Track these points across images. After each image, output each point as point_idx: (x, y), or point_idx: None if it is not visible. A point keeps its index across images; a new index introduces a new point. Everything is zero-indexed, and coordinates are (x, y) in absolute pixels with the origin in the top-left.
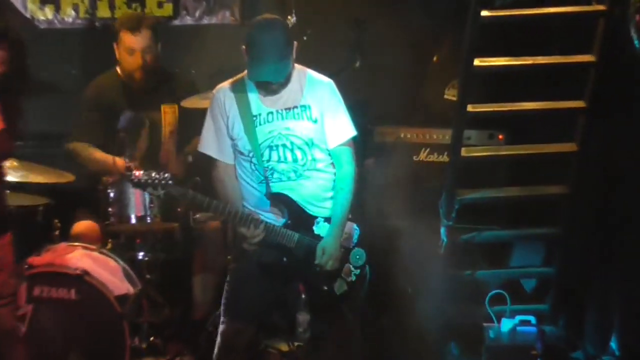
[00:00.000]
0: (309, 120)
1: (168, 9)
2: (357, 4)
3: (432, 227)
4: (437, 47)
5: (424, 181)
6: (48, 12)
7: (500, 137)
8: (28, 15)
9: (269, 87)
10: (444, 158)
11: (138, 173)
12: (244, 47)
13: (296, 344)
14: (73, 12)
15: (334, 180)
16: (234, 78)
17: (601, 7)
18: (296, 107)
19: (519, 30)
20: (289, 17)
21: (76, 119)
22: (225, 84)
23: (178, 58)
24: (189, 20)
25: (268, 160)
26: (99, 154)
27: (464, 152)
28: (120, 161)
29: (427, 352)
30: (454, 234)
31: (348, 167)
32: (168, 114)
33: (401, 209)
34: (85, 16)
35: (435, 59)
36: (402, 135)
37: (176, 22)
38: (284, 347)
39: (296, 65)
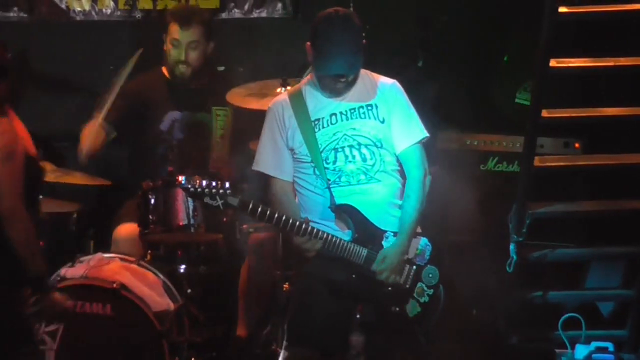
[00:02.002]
0: (376, 119)
1: (215, 1)
2: (421, 0)
3: (500, 244)
4: (508, 46)
5: (491, 193)
6: (85, 3)
7: (577, 145)
8: (63, 6)
9: (335, 86)
10: (515, 167)
11: (197, 182)
12: (309, 43)
13: None
14: (112, 3)
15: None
16: (290, 89)
17: None
18: (362, 106)
19: (599, 28)
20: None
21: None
22: (282, 96)
23: (225, 54)
24: (237, 14)
25: (334, 163)
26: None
27: (537, 161)
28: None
29: None
30: (525, 251)
31: (417, 172)
32: (220, 117)
33: (466, 223)
34: (125, 7)
35: (505, 58)
36: (468, 142)
37: (223, 16)
38: None
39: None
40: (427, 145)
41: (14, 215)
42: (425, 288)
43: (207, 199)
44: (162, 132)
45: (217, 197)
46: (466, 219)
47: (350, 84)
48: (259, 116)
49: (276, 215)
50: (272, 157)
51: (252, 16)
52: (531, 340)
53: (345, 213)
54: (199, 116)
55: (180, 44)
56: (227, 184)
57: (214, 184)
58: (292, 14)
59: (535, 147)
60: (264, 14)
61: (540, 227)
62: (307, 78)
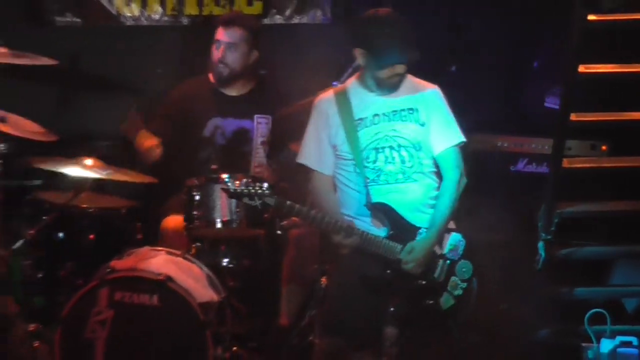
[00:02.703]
0: (416, 123)
1: (258, 7)
2: (453, 6)
3: (529, 242)
4: (538, 52)
5: (521, 192)
6: (134, 8)
7: (604, 147)
8: (114, 12)
9: (392, 80)
10: (543, 168)
11: (237, 182)
12: (356, 48)
13: (383, 358)
14: (160, 9)
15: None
16: (336, 89)
17: None
18: (403, 109)
19: (628, 34)
20: None
21: (152, 116)
22: (327, 94)
23: (267, 58)
24: (278, 19)
25: (375, 162)
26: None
27: (565, 163)
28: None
29: None
30: (553, 249)
31: (452, 173)
32: (261, 125)
33: (496, 221)
34: (173, 13)
35: (535, 64)
36: (499, 144)
37: (265, 21)
38: None
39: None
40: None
41: None
42: (459, 282)
43: (246, 199)
44: (205, 137)
45: (256, 198)
46: (496, 217)
47: (402, 77)
48: (301, 117)
49: (312, 214)
50: (315, 152)
51: (292, 22)
52: (558, 335)
53: (381, 211)
54: (241, 123)
55: (221, 44)
56: (266, 185)
57: (252, 184)
58: (330, 20)
59: (563, 149)
60: (304, 20)
61: (568, 226)
62: (352, 79)
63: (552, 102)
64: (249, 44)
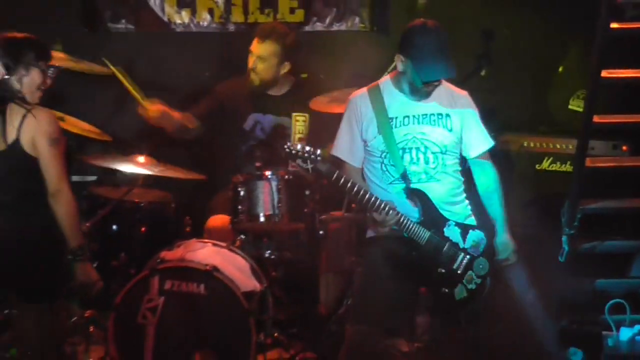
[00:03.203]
0: (445, 128)
1: (300, 15)
2: (485, 14)
3: (553, 235)
4: (563, 57)
5: (545, 190)
6: (184, 16)
7: (625, 148)
8: (165, 19)
9: (427, 90)
10: (567, 167)
11: (294, 145)
12: (399, 55)
13: (416, 345)
14: (208, 16)
15: (462, 187)
16: (369, 85)
17: None
18: (433, 114)
19: None
20: None
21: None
22: (361, 90)
23: (308, 63)
24: (319, 27)
25: (402, 161)
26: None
27: (588, 162)
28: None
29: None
30: (576, 243)
31: (493, 172)
32: (299, 122)
33: (523, 216)
34: (220, 21)
35: (560, 69)
36: (525, 144)
37: (307, 28)
38: (404, 347)
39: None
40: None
41: (61, 194)
42: (475, 277)
43: (299, 161)
44: (245, 131)
45: (309, 161)
46: (522, 213)
47: (436, 86)
48: (337, 120)
49: (356, 187)
50: (346, 144)
51: (332, 29)
52: (580, 324)
53: (417, 197)
54: (279, 120)
55: (253, 55)
56: (319, 151)
57: (307, 149)
58: (368, 28)
59: (587, 149)
60: (343, 27)
61: (590, 221)
62: (386, 77)
63: (576, 105)
64: (280, 58)
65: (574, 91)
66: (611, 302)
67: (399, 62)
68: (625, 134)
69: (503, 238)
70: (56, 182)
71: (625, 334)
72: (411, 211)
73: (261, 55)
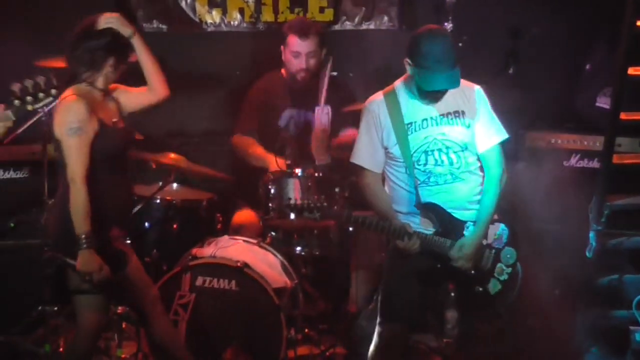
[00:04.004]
0: (463, 125)
1: (329, 14)
2: (512, 12)
3: (581, 231)
4: (590, 55)
5: (573, 186)
6: (215, 16)
7: None
8: (196, 19)
9: (435, 97)
10: (594, 164)
11: (298, 202)
12: (407, 59)
13: (445, 340)
14: (239, 16)
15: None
16: (385, 90)
17: None
18: (450, 112)
19: None
20: (446, 23)
21: (242, 114)
22: (377, 96)
23: (337, 61)
24: (348, 26)
25: (425, 165)
26: (261, 151)
27: (615, 158)
28: (281, 161)
29: (572, 353)
30: (603, 239)
31: (496, 170)
32: (323, 115)
33: (551, 212)
34: (250, 20)
35: (587, 67)
36: (553, 141)
37: (336, 27)
38: (433, 343)
39: None
40: (516, 144)
41: (73, 184)
42: (504, 267)
43: (305, 214)
44: (280, 127)
45: (315, 211)
46: (551, 209)
47: (444, 93)
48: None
49: (367, 222)
50: (366, 152)
51: (361, 28)
52: (607, 318)
53: (430, 210)
54: (309, 113)
55: (301, 55)
56: (323, 198)
57: (310, 201)
58: (397, 27)
59: (614, 145)
60: (372, 26)
61: (617, 217)
62: (400, 79)
63: (603, 102)
64: (322, 47)
65: (601, 88)
66: (638, 297)
67: (407, 66)
68: None
69: (466, 240)
70: (70, 172)
71: None
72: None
73: (310, 52)
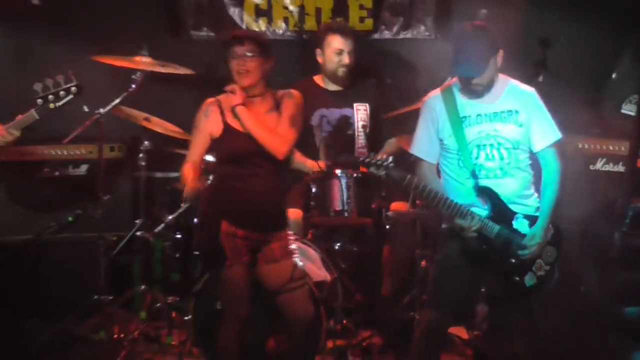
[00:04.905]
0: (516, 124)
1: (369, 23)
2: (542, 22)
3: (606, 232)
4: (616, 64)
5: (599, 189)
6: (262, 24)
7: None
8: (244, 27)
9: (471, 88)
10: (620, 168)
11: (366, 155)
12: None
13: (474, 332)
14: (283, 25)
15: (541, 179)
16: (443, 86)
17: None
18: (503, 111)
19: None
20: (483, 10)
21: None
22: (436, 92)
23: (377, 69)
24: (387, 35)
25: (477, 158)
26: (300, 156)
27: (639, 163)
28: (322, 163)
29: (602, 349)
30: (627, 239)
31: (554, 165)
32: (360, 111)
33: (578, 213)
34: (294, 29)
35: (613, 75)
36: (580, 146)
37: (375, 36)
38: (464, 335)
39: (500, 75)
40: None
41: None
42: (543, 264)
43: (372, 169)
44: (313, 126)
45: (381, 169)
46: (578, 210)
47: (485, 88)
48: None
49: (433, 192)
50: (424, 143)
51: (399, 37)
52: (630, 313)
53: (486, 194)
54: (343, 111)
55: (344, 52)
56: (391, 159)
57: (379, 157)
58: (433, 36)
59: (638, 150)
60: (409, 35)
61: None
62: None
63: (628, 109)
64: (356, 45)
65: (627, 96)
66: None
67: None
68: None
69: (536, 230)
70: None
71: None
72: (481, 208)
73: (351, 50)
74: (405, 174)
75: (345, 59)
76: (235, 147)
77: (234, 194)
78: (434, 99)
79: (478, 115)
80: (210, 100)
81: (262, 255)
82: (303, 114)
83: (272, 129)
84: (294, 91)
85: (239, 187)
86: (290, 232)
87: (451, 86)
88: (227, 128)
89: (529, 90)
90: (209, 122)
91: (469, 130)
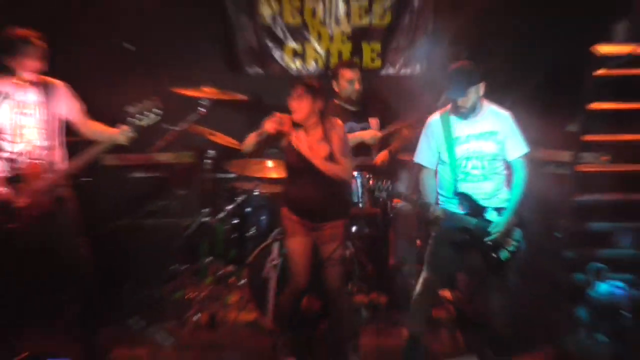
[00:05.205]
0: (495, 142)
1: (378, 63)
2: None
3: (556, 219)
4: (561, 94)
5: (550, 187)
6: (297, 63)
7: (604, 158)
8: (284, 65)
9: (458, 109)
10: (565, 171)
11: (371, 182)
12: None
13: (457, 294)
14: (314, 63)
15: (506, 181)
16: (442, 110)
17: None
18: (486, 132)
19: (627, 83)
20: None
21: None
22: (436, 115)
23: (383, 95)
24: (391, 71)
25: (465, 167)
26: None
27: (579, 167)
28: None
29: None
30: (572, 224)
31: (522, 172)
32: (373, 123)
33: (536, 204)
34: (322, 66)
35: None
36: (538, 155)
37: (382, 72)
38: (449, 296)
39: (484, 101)
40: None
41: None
42: (513, 242)
43: (377, 193)
44: None
45: (384, 192)
46: (536, 202)
47: (471, 110)
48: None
49: (414, 199)
50: (426, 154)
51: (400, 73)
52: (577, 280)
53: (462, 197)
54: (358, 125)
55: (354, 80)
56: (389, 182)
57: (380, 184)
58: (424, 73)
59: (579, 158)
60: (408, 72)
61: (580, 209)
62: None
63: (571, 127)
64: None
65: (572, 118)
66: (594, 264)
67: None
68: (607, 147)
69: (500, 220)
70: None
71: (603, 287)
72: (459, 207)
73: (359, 78)
74: (399, 192)
75: (356, 86)
76: (294, 163)
77: (292, 195)
78: (434, 121)
79: (468, 135)
80: (280, 115)
81: (316, 237)
82: (347, 139)
83: (334, 165)
84: (337, 122)
85: (296, 192)
86: (345, 220)
87: (447, 111)
88: (289, 144)
89: (505, 113)
90: (278, 129)
91: (460, 147)
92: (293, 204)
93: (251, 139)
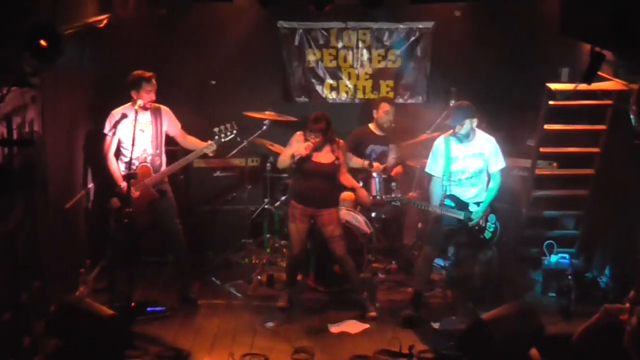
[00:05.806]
0: (482, 159)
1: (391, 95)
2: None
3: (519, 208)
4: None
5: (515, 185)
6: (334, 95)
7: (555, 165)
8: (324, 96)
9: (456, 134)
10: (525, 173)
11: (385, 197)
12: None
13: (448, 263)
14: (345, 95)
15: (487, 186)
16: (446, 134)
17: (609, 102)
18: (476, 153)
19: (576, 110)
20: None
21: (347, 142)
22: (442, 138)
23: (395, 121)
24: (400, 101)
25: (457, 177)
26: (357, 159)
27: (536, 171)
28: (376, 164)
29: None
30: (530, 212)
31: (498, 180)
32: (392, 149)
33: (506, 197)
34: (352, 97)
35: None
36: (508, 162)
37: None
38: (443, 262)
39: (476, 130)
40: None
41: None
42: (491, 224)
43: (393, 202)
44: (366, 154)
45: (397, 201)
46: (506, 196)
47: (465, 137)
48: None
49: (420, 205)
50: (434, 166)
51: (407, 102)
52: (533, 253)
53: (452, 198)
54: (383, 148)
55: (390, 112)
56: (400, 194)
57: (393, 195)
58: (426, 102)
59: (535, 165)
60: (412, 101)
61: (536, 201)
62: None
63: (530, 142)
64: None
65: (532, 135)
66: (547, 242)
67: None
68: (555, 158)
69: (478, 210)
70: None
71: (554, 258)
72: (451, 205)
73: (393, 111)
74: (408, 199)
75: (391, 117)
76: (306, 168)
77: (300, 190)
78: (440, 142)
79: (464, 155)
80: (301, 133)
81: (317, 220)
82: (346, 154)
83: (350, 178)
84: (341, 142)
85: (303, 189)
86: (337, 209)
87: (449, 136)
88: (308, 157)
89: (491, 138)
90: (299, 145)
91: (456, 164)
92: (301, 197)
93: (286, 159)
